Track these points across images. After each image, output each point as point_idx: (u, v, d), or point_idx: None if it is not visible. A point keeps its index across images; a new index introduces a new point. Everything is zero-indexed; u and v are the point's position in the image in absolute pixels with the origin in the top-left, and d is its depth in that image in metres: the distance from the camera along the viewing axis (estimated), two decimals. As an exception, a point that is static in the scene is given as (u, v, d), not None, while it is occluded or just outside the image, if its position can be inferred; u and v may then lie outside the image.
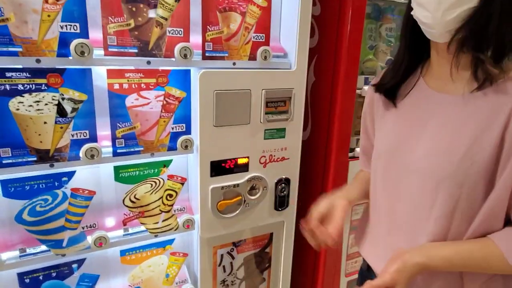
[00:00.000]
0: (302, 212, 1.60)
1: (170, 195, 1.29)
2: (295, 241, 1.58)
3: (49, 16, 0.96)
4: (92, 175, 1.15)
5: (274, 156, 1.41)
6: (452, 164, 0.73)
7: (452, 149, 0.73)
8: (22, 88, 0.98)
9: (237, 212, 1.37)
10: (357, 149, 1.65)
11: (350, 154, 1.63)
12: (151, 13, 1.08)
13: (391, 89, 0.90)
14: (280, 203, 1.47)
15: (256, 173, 1.37)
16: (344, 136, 1.57)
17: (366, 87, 1.57)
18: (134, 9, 1.06)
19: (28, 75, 0.98)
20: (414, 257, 0.74)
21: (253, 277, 1.58)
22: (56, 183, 1.09)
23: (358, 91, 1.55)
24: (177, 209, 1.32)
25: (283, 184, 1.45)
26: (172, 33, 1.13)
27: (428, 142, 0.78)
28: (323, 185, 1.65)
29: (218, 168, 1.30)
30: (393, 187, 0.87)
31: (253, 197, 1.40)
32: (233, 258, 1.49)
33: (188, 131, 1.25)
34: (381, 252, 0.90)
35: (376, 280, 0.74)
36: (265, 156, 1.38)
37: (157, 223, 1.28)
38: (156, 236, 1.29)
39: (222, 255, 1.45)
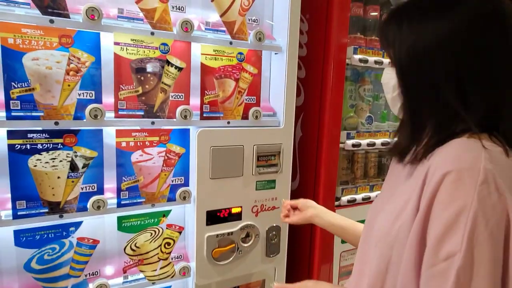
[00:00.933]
0: (292, 258, 1.68)
1: (168, 243, 1.37)
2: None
3: (69, 85, 1.11)
4: (97, 224, 1.25)
5: (265, 205, 1.52)
6: (385, 226, 0.75)
7: (391, 212, 0.75)
8: (41, 147, 1.11)
9: (231, 259, 1.45)
10: (343, 198, 1.78)
11: (336, 203, 1.74)
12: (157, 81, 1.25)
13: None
14: (272, 250, 1.56)
15: (248, 222, 1.48)
16: (330, 186, 1.69)
17: (348, 141, 1.72)
18: (142, 78, 1.22)
19: (47, 136, 1.11)
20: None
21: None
22: (64, 233, 1.19)
23: (341, 145, 1.70)
24: (174, 257, 1.40)
25: (274, 232, 1.55)
26: (174, 98, 1.29)
27: (386, 207, 0.80)
28: (312, 232, 1.74)
29: (213, 217, 1.40)
30: (365, 248, 0.88)
31: (246, 245, 1.49)
32: (228, 304, 1.54)
33: (186, 183, 1.37)
34: None
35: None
36: (257, 206, 1.49)
37: (155, 270, 1.35)
38: (153, 283, 1.36)
39: (218, 302, 1.51)
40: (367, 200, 1.82)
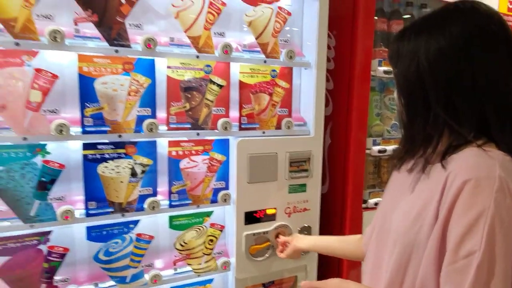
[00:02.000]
0: (322, 257, 1.81)
1: (211, 240, 1.55)
2: (317, 284, 1.78)
3: (130, 104, 1.32)
4: (152, 223, 1.44)
5: (297, 207, 1.66)
6: (405, 224, 0.82)
7: (409, 212, 0.83)
8: (107, 156, 1.31)
9: (266, 255, 1.60)
10: (370, 201, 1.89)
11: (364, 205, 1.86)
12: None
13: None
14: (303, 248, 1.69)
15: (282, 222, 1.63)
16: (358, 189, 1.82)
17: (374, 148, 1.84)
18: (189, 95, 1.41)
19: (112, 147, 1.31)
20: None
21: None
22: (125, 229, 1.39)
23: (367, 151, 1.82)
24: (216, 253, 1.57)
25: (305, 232, 1.69)
26: (216, 112, 1.47)
27: (401, 206, 0.88)
28: (341, 233, 1.87)
29: (250, 218, 1.56)
30: (381, 243, 0.95)
31: (280, 243, 1.63)
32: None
33: (226, 187, 1.54)
34: None
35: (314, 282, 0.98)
36: (289, 207, 1.64)
37: (200, 264, 1.53)
38: (199, 275, 1.54)
39: (256, 300, 1.67)
40: (393, 203, 1.92)
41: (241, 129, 1.53)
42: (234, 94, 1.51)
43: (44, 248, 1.27)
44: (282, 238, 1.49)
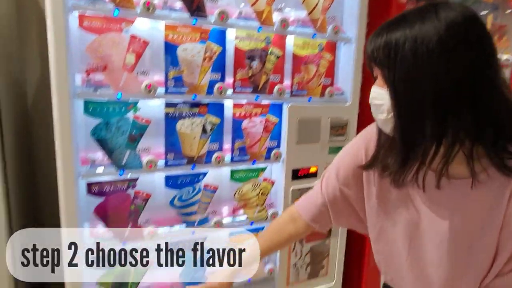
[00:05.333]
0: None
1: (263, 193, 1.77)
2: (348, 236, 2.03)
3: (204, 69, 1.50)
4: (217, 175, 1.65)
5: (335, 167, 1.88)
6: (470, 242, 0.82)
7: (468, 230, 0.81)
8: (184, 114, 1.50)
9: (308, 208, 1.83)
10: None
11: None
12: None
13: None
14: (338, 203, 1.93)
15: (322, 179, 1.85)
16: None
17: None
18: (252, 64, 1.60)
19: (189, 106, 1.50)
20: None
21: (316, 263, 2.01)
22: (196, 179, 1.59)
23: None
24: (267, 204, 1.80)
25: (340, 189, 1.92)
26: (272, 79, 1.66)
27: (444, 222, 0.83)
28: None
29: (296, 174, 1.78)
30: (421, 254, 0.90)
31: (319, 198, 1.86)
32: (302, 246, 1.94)
33: (278, 146, 1.75)
34: None
35: None
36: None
37: (254, 213, 1.75)
38: (251, 223, 1.76)
39: (295, 243, 1.90)
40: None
41: (292, 95, 1.73)
42: (288, 65, 1.70)
43: (131, 192, 1.47)
44: None
